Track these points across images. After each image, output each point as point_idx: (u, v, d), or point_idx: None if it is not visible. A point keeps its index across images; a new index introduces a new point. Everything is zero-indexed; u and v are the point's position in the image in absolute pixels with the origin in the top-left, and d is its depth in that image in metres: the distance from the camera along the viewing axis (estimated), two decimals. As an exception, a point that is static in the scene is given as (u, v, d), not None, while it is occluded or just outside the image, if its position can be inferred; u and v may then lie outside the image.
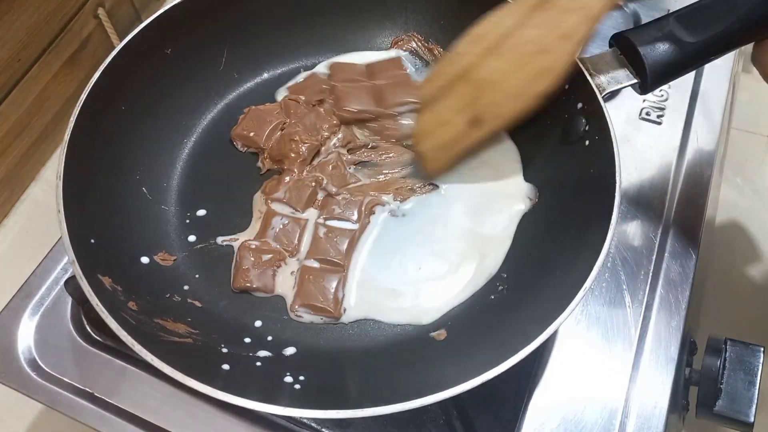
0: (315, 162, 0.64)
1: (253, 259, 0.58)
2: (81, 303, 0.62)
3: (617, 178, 0.53)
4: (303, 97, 0.67)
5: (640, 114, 0.74)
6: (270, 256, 0.59)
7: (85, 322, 0.63)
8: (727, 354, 0.57)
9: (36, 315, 0.63)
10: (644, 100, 0.75)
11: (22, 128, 0.92)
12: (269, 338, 0.56)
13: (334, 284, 0.58)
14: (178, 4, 0.64)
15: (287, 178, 0.63)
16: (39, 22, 0.90)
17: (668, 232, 0.67)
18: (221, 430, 0.57)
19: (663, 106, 0.75)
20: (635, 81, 0.57)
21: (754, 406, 0.55)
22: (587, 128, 0.58)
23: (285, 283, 0.59)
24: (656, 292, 0.63)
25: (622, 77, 0.57)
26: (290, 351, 0.55)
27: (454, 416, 0.56)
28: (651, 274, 0.64)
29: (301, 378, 0.51)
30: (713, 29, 0.54)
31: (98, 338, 0.62)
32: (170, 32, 0.64)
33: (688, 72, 0.58)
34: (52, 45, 0.93)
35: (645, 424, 0.57)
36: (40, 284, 0.65)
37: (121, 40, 0.60)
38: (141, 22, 0.61)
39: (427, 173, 0.63)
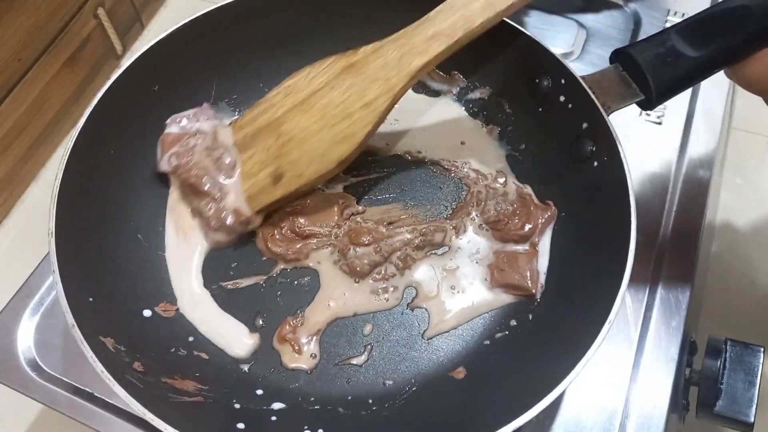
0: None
1: None
2: (81, 303, 0.62)
3: (631, 200, 0.51)
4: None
5: (640, 114, 0.74)
6: None
7: (85, 322, 0.63)
8: (727, 354, 0.57)
9: (36, 315, 0.63)
10: (644, 100, 0.75)
11: (22, 128, 0.92)
12: (282, 387, 0.54)
13: (529, 263, 0.58)
14: (162, 39, 0.60)
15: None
16: (39, 22, 0.90)
17: (668, 232, 0.67)
18: (221, 430, 0.57)
19: (663, 106, 0.75)
20: (640, 98, 0.54)
21: (754, 406, 0.55)
22: (594, 148, 0.56)
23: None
24: (656, 292, 0.63)
25: (627, 94, 0.55)
26: (305, 401, 0.53)
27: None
28: (651, 274, 0.64)
29: (321, 431, 0.50)
30: (715, 42, 0.52)
31: (98, 338, 0.62)
32: (156, 68, 0.61)
33: (693, 84, 0.56)
34: (52, 45, 0.93)
35: (645, 424, 0.57)
36: (39, 284, 0.65)
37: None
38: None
39: (252, 207, 0.60)
